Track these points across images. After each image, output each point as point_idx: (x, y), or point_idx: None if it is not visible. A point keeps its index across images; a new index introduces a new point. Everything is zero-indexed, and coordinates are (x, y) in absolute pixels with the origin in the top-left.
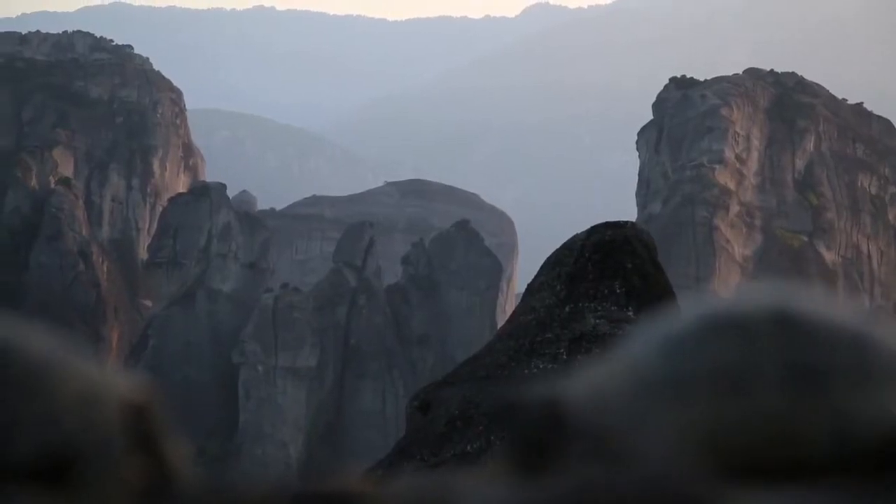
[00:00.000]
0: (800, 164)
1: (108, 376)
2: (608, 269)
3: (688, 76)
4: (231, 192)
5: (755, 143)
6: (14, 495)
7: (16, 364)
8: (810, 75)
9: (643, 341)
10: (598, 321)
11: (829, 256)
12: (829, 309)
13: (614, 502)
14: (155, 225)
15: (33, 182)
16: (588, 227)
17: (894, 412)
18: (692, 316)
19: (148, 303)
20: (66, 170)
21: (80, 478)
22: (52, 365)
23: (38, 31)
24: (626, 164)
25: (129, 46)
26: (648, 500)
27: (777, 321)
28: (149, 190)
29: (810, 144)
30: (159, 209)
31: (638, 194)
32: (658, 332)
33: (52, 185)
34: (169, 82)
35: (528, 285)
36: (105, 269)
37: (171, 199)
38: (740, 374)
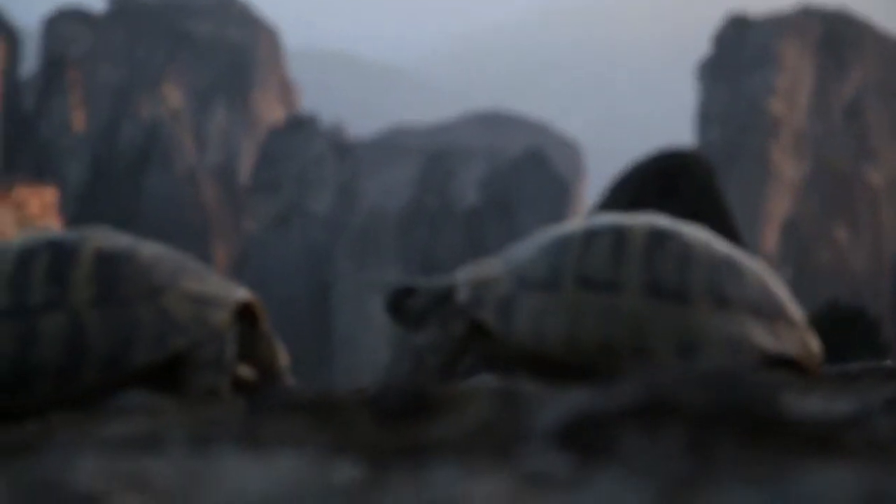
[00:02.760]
0: (848, 94)
1: (221, 281)
2: (669, 193)
3: (745, 11)
4: (323, 124)
5: (806, 75)
6: (134, 392)
7: (136, 263)
8: (860, 6)
9: (534, 241)
10: None
11: (874, 181)
12: (709, 239)
13: (685, 401)
14: (255, 154)
15: (146, 115)
16: (650, 152)
17: (742, 340)
18: (579, 225)
19: (249, 225)
20: (176, 103)
21: (194, 373)
22: (169, 268)
23: None
24: (689, 90)
25: None
26: (718, 398)
27: (650, 236)
28: (249, 122)
29: (858, 76)
30: (259, 140)
31: (696, 123)
32: (547, 235)
33: (163, 118)
34: (267, 22)
35: (593, 207)
36: (211, 194)
37: (270, 131)
38: (608, 275)
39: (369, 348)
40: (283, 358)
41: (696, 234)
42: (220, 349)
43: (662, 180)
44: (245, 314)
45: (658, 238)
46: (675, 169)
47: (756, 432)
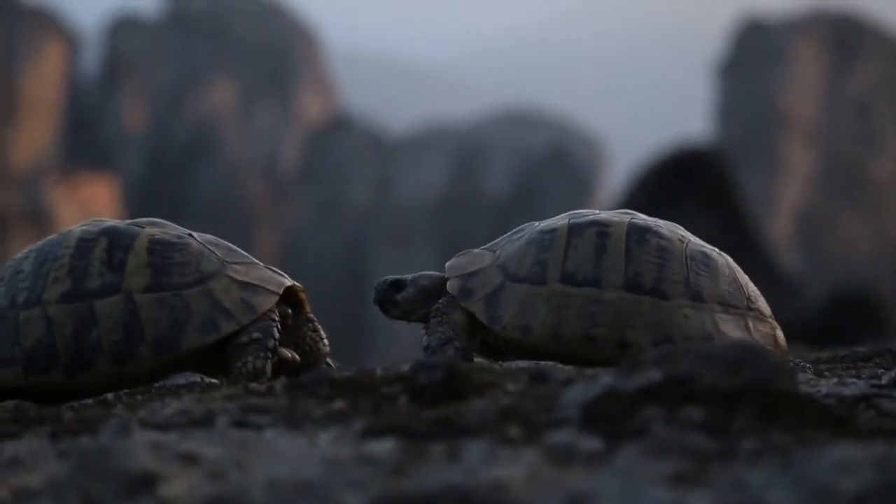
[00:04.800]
0: (857, 91)
1: (267, 269)
2: (686, 186)
3: (757, 9)
4: (361, 121)
5: (817, 73)
6: (185, 374)
7: (187, 251)
8: (870, 6)
9: (521, 233)
10: None
11: (881, 173)
12: (684, 234)
13: (704, 381)
14: (297, 149)
15: (196, 113)
16: (669, 145)
17: (716, 335)
18: (563, 219)
19: (291, 216)
20: (223, 102)
21: (239, 355)
22: (218, 256)
23: None
24: (704, 89)
25: None
26: (736, 378)
27: (629, 232)
28: (292, 119)
29: (867, 74)
30: (301, 136)
31: (713, 117)
32: (534, 228)
33: (211, 116)
34: (308, 25)
35: (615, 203)
36: (256, 187)
37: (311, 127)
38: (590, 270)
39: (404, 335)
40: (325, 342)
41: (672, 229)
42: (264, 332)
43: (681, 174)
44: (290, 300)
45: (637, 234)
46: (692, 163)
47: (772, 411)
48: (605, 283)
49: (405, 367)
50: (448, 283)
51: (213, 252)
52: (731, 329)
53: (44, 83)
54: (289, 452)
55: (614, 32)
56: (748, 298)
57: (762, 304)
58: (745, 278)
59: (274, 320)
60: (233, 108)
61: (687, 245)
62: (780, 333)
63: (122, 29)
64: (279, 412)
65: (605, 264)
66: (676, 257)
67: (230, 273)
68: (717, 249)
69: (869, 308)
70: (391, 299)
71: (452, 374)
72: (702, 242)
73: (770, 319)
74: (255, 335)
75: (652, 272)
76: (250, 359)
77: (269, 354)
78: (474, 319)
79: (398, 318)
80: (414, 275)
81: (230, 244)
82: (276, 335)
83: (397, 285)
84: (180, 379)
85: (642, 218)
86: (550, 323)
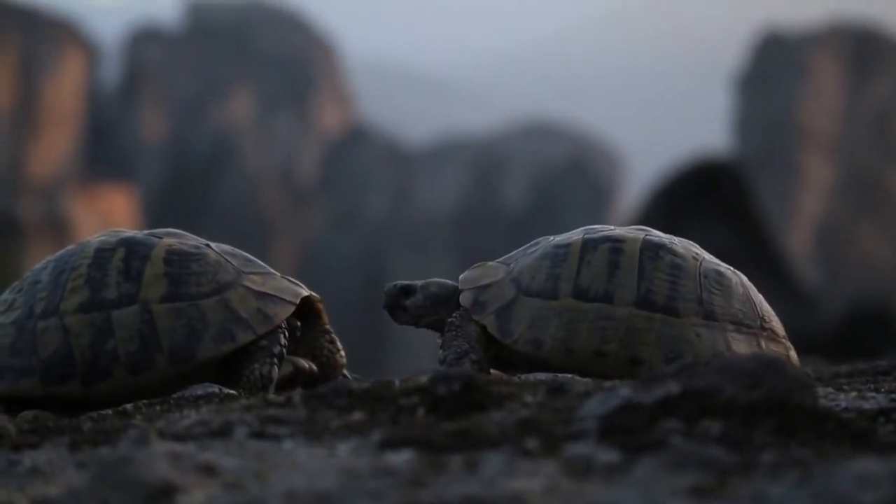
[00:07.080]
0: (875, 103)
1: (284, 279)
2: (705, 200)
3: (776, 22)
4: (379, 132)
5: (836, 85)
6: (202, 384)
7: (204, 261)
8: (889, 16)
9: (535, 248)
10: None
11: None
12: (698, 251)
13: (723, 393)
14: (316, 160)
15: (215, 123)
16: (688, 158)
17: (728, 353)
18: (577, 235)
19: (310, 226)
20: (242, 112)
21: (248, 363)
22: (235, 266)
23: None
24: (723, 101)
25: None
26: (755, 391)
27: (643, 249)
28: (311, 130)
29: (885, 86)
30: (320, 147)
31: (733, 130)
32: (548, 243)
33: (230, 126)
34: (327, 36)
35: (633, 215)
36: (274, 197)
37: (330, 138)
38: (603, 286)
39: (422, 346)
40: (342, 354)
41: (687, 246)
42: (270, 339)
43: (699, 187)
44: (307, 310)
45: (651, 251)
46: (711, 176)
47: (791, 425)
48: (617, 300)
49: (423, 379)
50: (461, 296)
51: (230, 262)
52: (743, 348)
53: (64, 94)
54: (307, 463)
55: (632, 44)
56: (761, 318)
57: (776, 323)
58: (758, 297)
59: (280, 327)
60: (252, 118)
61: (701, 263)
62: (793, 354)
63: (142, 40)
64: (297, 423)
65: (617, 280)
66: (690, 275)
67: (247, 283)
68: (731, 268)
69: (889, 321)
70: (400, 304)
71: (471, 386)
72: (716, 261)
73: (783, 340)
74: (262, 342)
75: (664, 289)
76: (257, 366)
77: (275, 361)
78: (488, 333)
79: (407, 323)
80: (424, 281)
81: (247, 254)
82: (283, 342)
83: (407, 291)
84: (199, 390)
85: (657, 234)
86: (561, 337)
